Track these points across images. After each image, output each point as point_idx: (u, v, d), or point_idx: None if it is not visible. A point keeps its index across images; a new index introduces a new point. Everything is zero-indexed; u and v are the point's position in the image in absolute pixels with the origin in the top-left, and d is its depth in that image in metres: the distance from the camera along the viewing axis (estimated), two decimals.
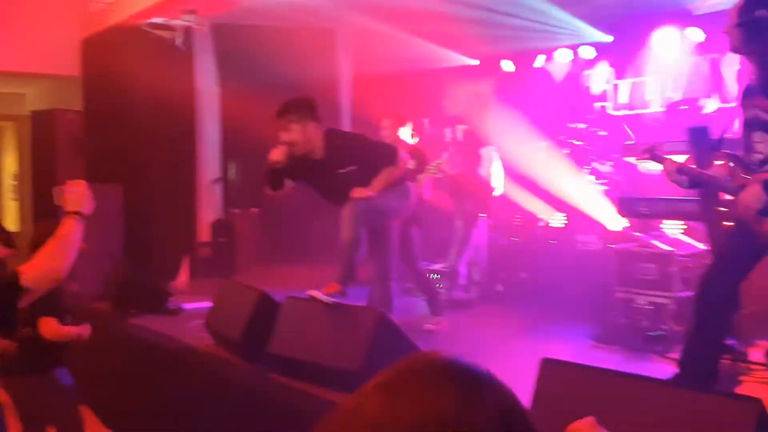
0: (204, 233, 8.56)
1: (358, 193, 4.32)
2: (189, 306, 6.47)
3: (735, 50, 3.32)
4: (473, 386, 0.93)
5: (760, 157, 3.20)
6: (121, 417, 4.92)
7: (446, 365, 0.95)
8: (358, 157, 4.39)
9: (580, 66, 8.06)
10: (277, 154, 4.33)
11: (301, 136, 4.34)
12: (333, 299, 4.05)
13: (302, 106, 4.42)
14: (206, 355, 4.70)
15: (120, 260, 7.57)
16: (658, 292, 5.08)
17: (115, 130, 8.21)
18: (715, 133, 4.02)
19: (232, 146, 8.85)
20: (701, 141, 4.10)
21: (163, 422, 4.56)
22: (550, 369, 2.62)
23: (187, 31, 8.09)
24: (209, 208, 8.63)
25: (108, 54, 8.01)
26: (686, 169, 3.45)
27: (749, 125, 3.26)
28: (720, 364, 3.48)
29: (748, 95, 3.31)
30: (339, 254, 4.34)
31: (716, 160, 3.41)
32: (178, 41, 8.14)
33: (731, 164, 3.31)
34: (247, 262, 8.32)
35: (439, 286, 6.68)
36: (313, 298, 4.06)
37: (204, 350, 4.79)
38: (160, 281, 6.85)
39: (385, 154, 4.52)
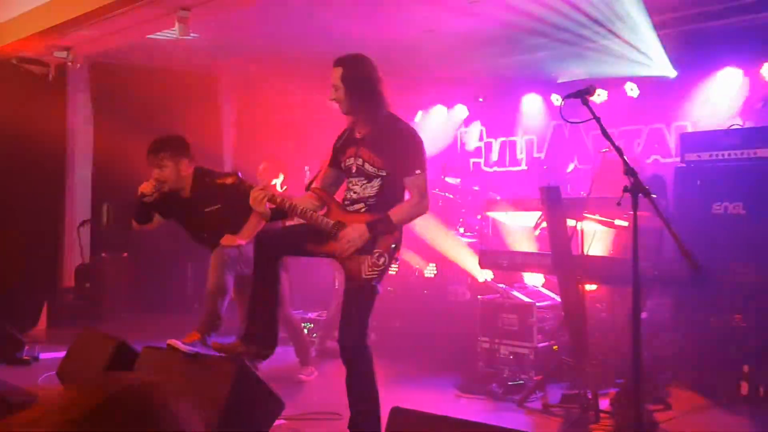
0: (68, 278, 8.12)
1: (227, 240, 4.31)
2: (46, 356, 6.10)
3: (345, 112, 3.59)
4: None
5: (355, 196, 3.54)
6: None
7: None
8: (223, 195, 4.36)
9: (455, 123, 8.40)
10: (147, 187, 4.31)
11: (173, 173, 4.36)
12: (193, 349, 3.94)
13: (176, 143, 4.45)
14: None
15: None
16: (518, 342, 5.28)
17: None
18: (566, 192, 4.26)
19: (105, 187, 8.52)
20: (552, 199, 4.36)
21: None
22: (399, 418, 2.66)
23: (61, 68, 7.81)
24: (76, 251, 8.20)
25: None
26: (276, 199, 3.54)
27: (347, 171, 3.59)
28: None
29: (350, 144, 3.60)
30: (203, 301, 4.28)
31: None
32: (50, 77, 7.83)
33: (325, 198, 3.60)
34: (114, 309, 7.94)
35: (314, 335, 6.65)
36: (171, 348, 3.93)
37: None
38: (15, 328, 6.43)
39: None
